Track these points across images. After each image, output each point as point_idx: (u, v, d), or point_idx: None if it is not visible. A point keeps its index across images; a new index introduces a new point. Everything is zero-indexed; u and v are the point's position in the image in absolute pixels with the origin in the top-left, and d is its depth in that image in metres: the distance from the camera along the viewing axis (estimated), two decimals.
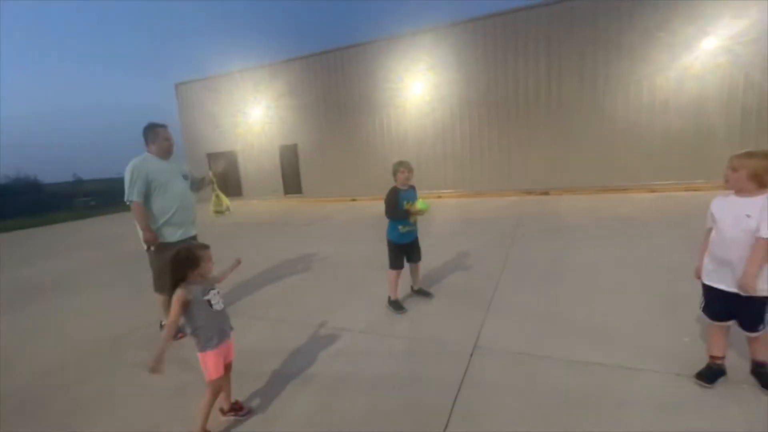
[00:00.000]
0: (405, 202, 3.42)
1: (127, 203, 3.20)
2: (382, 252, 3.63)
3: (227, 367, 2.17)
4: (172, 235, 3.29)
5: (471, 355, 2.67)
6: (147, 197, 3.20)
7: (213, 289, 2.11)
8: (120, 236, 9.08)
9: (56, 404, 2.53)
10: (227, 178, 15.76)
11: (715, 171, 2.14)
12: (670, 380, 2.22)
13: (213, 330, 2.04)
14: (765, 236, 1.87)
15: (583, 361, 2.48)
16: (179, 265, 2.00)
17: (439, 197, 11.91)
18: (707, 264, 2.15)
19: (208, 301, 2.04)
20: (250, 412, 2.23)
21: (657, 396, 2.10)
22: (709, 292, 2.15)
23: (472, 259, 4.95)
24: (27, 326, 3.96)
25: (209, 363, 2.03)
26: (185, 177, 3.47)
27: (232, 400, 2.24)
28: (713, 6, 8.95)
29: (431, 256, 5.01)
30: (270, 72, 14.85)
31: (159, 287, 3.33)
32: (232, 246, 7.06)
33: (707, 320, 2.21)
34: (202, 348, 2.03)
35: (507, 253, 5.11)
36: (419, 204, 3.38)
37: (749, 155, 1.96)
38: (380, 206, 3.67)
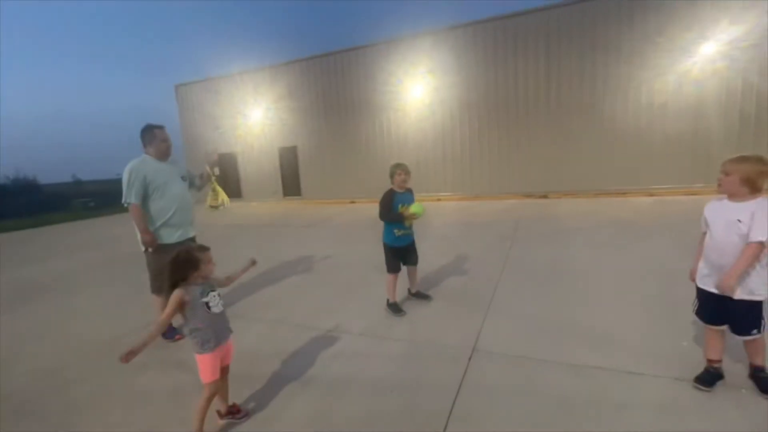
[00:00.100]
0: (400, 205, 3.40)
1: (125, 205, 3.19)
2: (380, 254, 3.63)
3: (224, 370, 2.16)
4: (171, 236, 3.28)
5: (470, 358, 2.67)
6: (145, 199, 3.20)
7: (213, 291, 2.10)
8: (118, 237, 9.06)
9: (54, 405, 2.52)
10: (227, 180, 15.75)
11: (713, 175, 2.14)
12: (669, 384, 2.22)
13: (210, 333, 2.03)
14: (755, 241, 1.87)
15: (582, 364, 2.48)
16: (179, 267, 2.00)
17: (439, 200, 11.92)
18: (702, 268, 2.16)
19: (206, 303, 2.03)
20: (247, 415, 2.22)
21: (656, 400, 2.10)
22: (703, 296, 2.16)
23: (472, 262, 4.95)
24: (25, 327, 3.95)
25: (205, 366, 2.02)
26: (183, 178, 3.45)
27: (230, 402, 2.23)
28: (712, 11, 9.00)
29: (430, 258, 5.01)
30: (270, 74, 14.88)
31: (156, 289, 3.32)
32: (231, 247, 7.04)
33: (701, 323, 2.22)
34: (199, 350, 2.03)
35: (506, 256, 5.11)
36: (412, 207, 3.35)
37: (742, 160, 1.96)
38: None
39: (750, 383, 2.13)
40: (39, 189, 23.44)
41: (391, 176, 3.48)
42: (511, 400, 2.20)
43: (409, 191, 3.56)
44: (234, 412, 2.20)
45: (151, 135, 3.27)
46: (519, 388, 2.31)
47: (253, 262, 2.55)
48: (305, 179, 14.78)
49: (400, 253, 3.57)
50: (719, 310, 2.08)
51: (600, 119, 10.34)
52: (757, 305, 1.98)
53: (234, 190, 16.09)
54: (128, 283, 5.10)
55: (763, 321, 2.00)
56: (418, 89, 12.32)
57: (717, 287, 2.01)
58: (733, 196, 2.01)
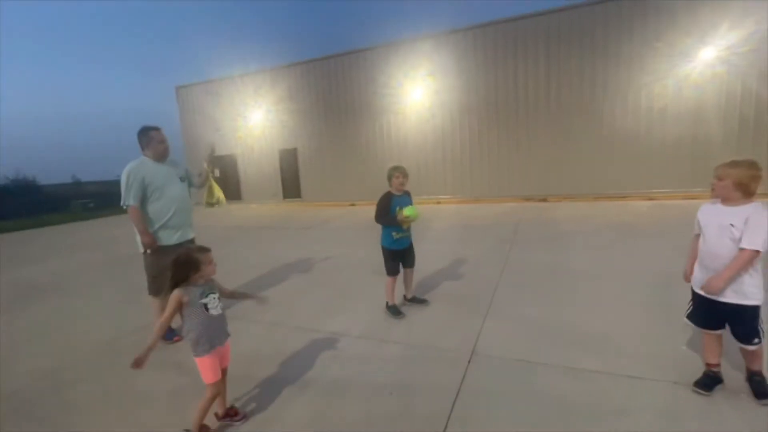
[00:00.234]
0: (397, 208, 3.39)
1: (124, 207, 3.19)
2: (380, 257, 3.62)
3: (222, 373, 2.16)
4: (170, 238, 3.28)
5: (469, 361, 2.66)
6: (144, 201, 3.19)
7: (213, 293, 2.09)
8: (118, 238, 9.06)
9: (53, 405, 2.51)
10: (227, 182, 15.76)
11: (712, 179, 2.16)
12: (669, 388, 2.21)
13: (207, 334, 2.03)
14: (746, 247, 1.88)
15: (581, 368, 2.47)
16: (179, 268, 2.00)
17: (438, 203, 11.93)
18: (697, 271, 2.16)
19: (205, 305, 2.03)
20: (245, 418, 2.22)
21: (655, 404, 2.09)
22: (698, 299, 2.17)
23: (471, 265, 4.95)
24: (25, 327, 3.94)
25: (205, 368, 2.03)
26: (182, 179, 3.43)
27: (228, 405, 2.23)
28: (711, 17, 9.04)
29: (430, 261, 5.01)
30: (271, 76, 14.92)
31: (154, 291, 3.31)
32: (230, 249, 7.04)
33: (693, 327, 2.23)
34: (197, 353, 2.02)
35: (506, 258, 5.11)
36: (406, 210, 3.33)
37: (734, 164, 1.97)
38: None
39: (748, 387, 2.12)
40: (38, 189, 23.41)
41: (389, 179, 3.48)
42: (510, 404, 2.19)
43: (407, 194, 3.55)
44: (232, 415, 2.20)
45: (148, 137, 3.26)
46: (518, 391, 2.30)
47: (263, 301, 2.44)
48: (305, 181, 14.79)
49: (399, 256, 3.57)
50: (714, 314, 2.08)
51: (600, 123, 10.37)
52: (753, 310, 1.98)
53: (234, 192, 16.10)
54: (127, 284, 5.09)
55: (761, 329, 2.00)
56: (418, 92, 12.36)
57: (704, 288, 2.01)
58: (726, 200, 2.02)
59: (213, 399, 2.06)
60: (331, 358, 2.85)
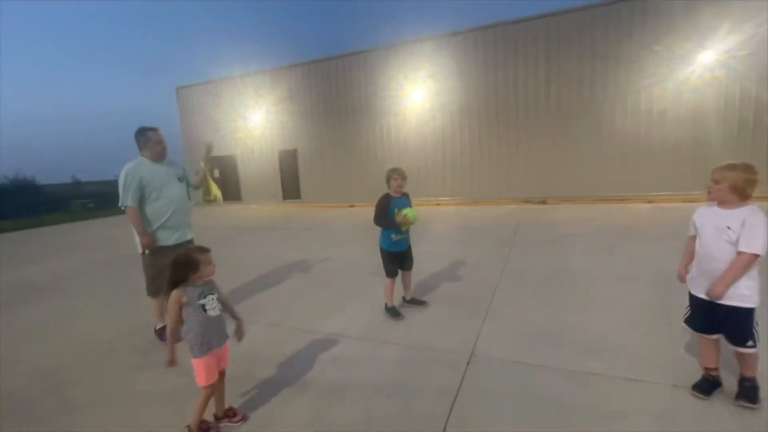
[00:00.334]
0: (396, 209, 3.39)
1: (122, 208, 3.18)
2: (379, 258, 3.62)
3: (221, 374, 2.16)
4: (168, 238, 3.27)
5: (468, 362, 2.67)
6: (142, 201, 3.18)
7: (212, 293, 2.09)
8: (117, 238, 9.05)
9: (53, 405, 2.51)
10: (227, 182, 15.76)
11: (709, 182, 2.18)
12: (667, 391, 2.21)
13: (205, 336, 2.03)
14: (745, 251, 1.88)
15: (580, 370, 2.47)
16: (178, 268, 2.00)
17: (438, 204, 11.93)
18: (693, 273, 2.17)
19: (203, 306, 2.03)
20: (244, 419, 2.21)
21: (654, 407, 2.10)
22: (695, 301, 2.17)
23: (470, 267, 4.95)
24: (24, 327, 3.93)
25: (200, 370, 2.03)
26: (180, 179, 3.42)
27: (226, 406, 2.22)
28: (710, 21, 9.08)
29: (429, 263, 5.01)
30: (271, 77, 14.94)
31: (152, 291, 3.31)
32: (230, 250, 7.04)
33: (690, 331, 2.22)
34: (193, 354, 2.02)
35: (505, 261, 5.11)
36: (405, 212, 3.32)
37: (730, 168, 1.98)
38: None
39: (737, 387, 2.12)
40: (38, 189, 23.37)
41: (387, 181, 3.47)
42: (508, 405, 2.19)
43: (406, 196, 3.55)
44: (230, 416, 2.19)
45: (145, 138, 3.25)
46: (517, 393, 2.30)
47: (241, 331, 2.30)
48: (305, 182, 14.80)
49: (397, 258, 3.57)
50: (711, 317, 2.08)
51: (599, 126, 10.39)
52: (748, 313, 1.98)
53: (234, 193, 16.11)
54: (127, 284, 5.09)
55: (756, 332, 2.00)
56: (418, 94, 12.38)
57: (707, 294, 2.01)
58: (722, 203, 2.03)
59: (207, 399, 2.07)
60: (330, 359, 2.85)
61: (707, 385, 2.14)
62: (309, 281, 4.87)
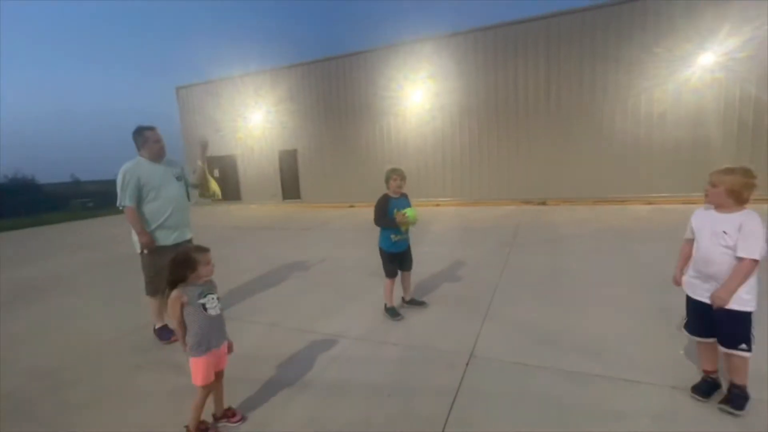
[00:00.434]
0: (395, 210, 3.38)
1: (120, 208, 3.18)
2: (378, 258, 3.63)
3: (219, 375, 2.15)
4: (167, 238, 3.26)
5: (467, 363, 2.66)
6: (140, 201, 3.17)
7: (212, 293, 2.09)
8: (116, 238, 9.04)
9: (52, 405, 2.51)
10: (227, 182, 15.76)
11: (706, 185, 2.18)
12: (667, 393, 2.21)
13: (204, 336, 2.03)
14: (743, 256, 1.88)
15: (579, 371, 2.47)
16: (177, 267, 2.00)
17: (438, 205, 11.94)
18: (690, 276, 2.17)
19: (203, 305, 2.03)
20: (242, 419, 2.21)
21: (653, 408, 2.09)
22: (691, 304, 2.17)
23: (470, 268, 4.95)
24: (23, 327, 3.93)
25: (198, 369, 2.02)
26: (179, 178, 3.40)
27: (225, 406, 2.22)
28: (710, 23, 9.10)
29: (429, 264, 5.01)
30: (271, 77, 14.94)
31: (151, 291, 3.31)
32: (229, 249, 7.03)
33: (687, 335, 2.22)
34: (192, 353, 2.02)
35: (505, 262, 5.11)
36: (408, 212, 3.32)
37: (728, 172, 1.98)
38: None
39: (748, 394, 2.11)
40: (38, 188, 23.35)
41: (387, 181, 3.47)
42: (507, 406, 2.19)
43: (405, 196, 3.54)
44: (229, 417, 2.19)
45: (143, 137, 3.23)
46: (516, 394, 2.30)
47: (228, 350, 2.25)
48: (305, 182, 14.80)
49: (397, 259, 3.57)
50: (707, 320, 2.07)
51: (599, 127, 10.40)
52: (746, 316, 1.97)
53: (234, 193, 16.11)
54: (126, 284, 5.08)
55: (752, 336, 1.98)
56: (418, 94, 12.39)
57: (711, 301, 1.99)
58: (719, 207, 2.02)
59: (204, 399, 2.06)
60: (329, 360, 2.84)
61: (706, 387, 2.14)
62: (308, 281, 4.87)
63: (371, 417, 2.18)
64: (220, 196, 3.81)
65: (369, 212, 3.64)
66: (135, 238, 3.21)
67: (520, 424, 2.04)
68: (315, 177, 14.53)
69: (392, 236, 3.45)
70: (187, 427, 2.06)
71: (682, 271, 2.24)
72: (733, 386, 2.06)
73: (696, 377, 2.24)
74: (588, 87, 10.42)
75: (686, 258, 2.21)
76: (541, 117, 10.99)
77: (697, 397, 2.12)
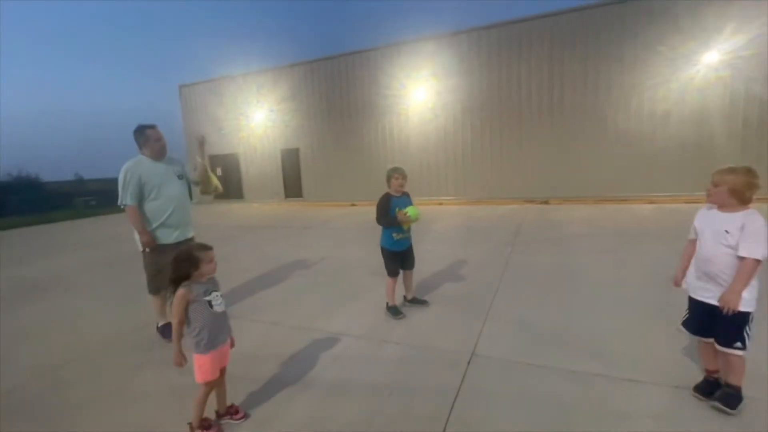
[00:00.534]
0: (396, 209, 3.38)
1: (121, 207, 3.18)
2: (380, 257, 3.63)
3: (222, 372, 2.16)
4: (168, 237, 3.27)
5: (468, 362, 2.66)
6: (141, 200, 3.17)
7: (216, 290, 2.10)
8: (119, 236, 9.07)
9: (53, 403, 2.52)
10: (229, 181, 15.80)
11: (708, 185, 2.17)
12: (669, 392, 2.21)
13: (212, 332, 2.04)
14: (746, 256, 1.87)
15: (581, 371, 2.47)
16: (180, 265, 2.00)
17: (440, 204, 11.93)
18: (691, 276, 2.16)
19: (209, 302, 2.04)
20: (245, 417, 2.22)
21: (655, 408, 2.09)
22: (692, 304, 2.16)
23: (472, 267, 4.95)
24: (25, 325, 3.95)
25: (204, 366, 2.03)
26: (180, 177, 3.40)
27: (228, 403, 2.23)
28: (715, 21, 9.04)
29: (431, 263, 5.01)
30: (273, 76, 14.95)
31: (153, 289, 3.32)
32: (231, 248, 7.05)
33: (687, 334, 2.21)
34: (199, 350, 2.03)
35: (507, 261, 5.10)
36: (408, 210, 3.32)
37: (731, 171, 1.96)
38: None
39: (750, 393, 2.10)
40: (41, 187, 23.43)
41: (388, 180, 3.47)
42: (509, 406, 2.19)
43: (406, 195, 3.54)
44: (232, 413, 2.20)
45: (144, 136, 3.23)
46: (518, 394, 2.30)
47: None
48: (307, 181, 14.82)
49: (399, 257, 3.57)
50: (707, 320, 2.07)
51: (602, 126, 10.36)
52: (744, 316, 1.96)
53: (236, 191, 16.15)
54: (129, 282, 5.10)
55: (747, 336, 1.97)
56: (420, 93, 12.38)
57: (719, 303, 1.97)
58: (722, 206, 2.01)
59: (207, 395, 2.07)
60: (331, 358, 2.85)
61: (708, 387, 2.14)
62: (310, 280, 4.88)
63: (372, 416, 2.18)
64: (221, 189, 3.78)
65: (371, 211, 3.64)
66: (137, 236, 3.22)
67: (522, 424, 2.04)
68: (317, 176, 14.55)
69: (394, 235, 3.45)
70: (190, 424, 2.07)
71: (684, 272, 2.23)
72: (728, 386, 2.06)
73: (698, 377, 2.23)
74: (591, 85, 10.37)
75: (689, 259, 2.20)
76: (543, 115, 10.96)
77: (698, 396, 2.12)
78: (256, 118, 15.35)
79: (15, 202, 17.19)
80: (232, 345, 2.25)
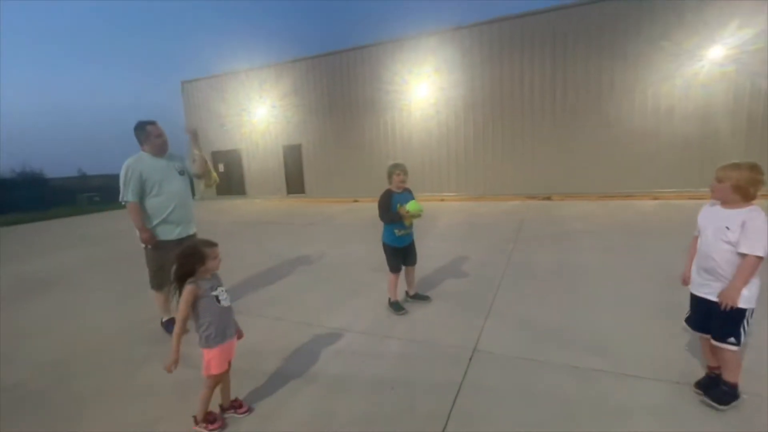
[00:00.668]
0: (398, 205, 3.38)
1: (123, 203, 3.19)
2: (382, 253, 3.63)
3: (228, 364, 2.18)
4: (169, 233, 3.27)
5: (470, 358, 2.67)
6: (142, 196, 3.18)
7: (220, 285, 2.13)
8: (122, 232, 9.12)
9: (56, 399, 2.54)
10: (231, 177, 15.82)
11: (712, 181, 2.16)
12: (670, 388, 2.21)
13: (219, 326, 2.06)
14: (747, 252, 1.86)
15: (583, 366, 2.48)
16: (185, 260, 2.02)
17: (442, 200, 11.92)
18: (693, 273, 2.16)
19: (216, 297, 2.06)
20: (249, 411, 2.24)
21: (657, 404, 2.10)
22: (693, 300, 2.16)
23: (474, 263, 4.95)
24: (30, 320, 3.98)
25: (214, 359, 2.05)
26: (181, 173, 3.40)
27: (232, 397, 2.25)
28: (720, 15, 8.95)
29: (433, 259, 5.01)
30: (276, 72, 14.92)
31: (156, 285, 3.33)
32: (234, 244, 7.08)
33: (690, 331, 2.22)
34: (209, 344, 2.04)
35: (509, 257, 5.10)
36: (410, 206, 3.31)
37: (734, 167, 1.95)
38: None
39: (750, 389, 2.11)
40: (45, 182, 23.53)
41: (389, 176, 3.46)
42: (511, 402, 2.20)
43: (408, 191, 3.53)
44: (236, 407, 2.22)
45: (145, 132, 3.23)
46: (519, 389, 2.31)
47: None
48: (309, 177, 14.82)
49: (401, 253, 3.57)
50: (708, 315, 2.07)
51: (606, 122, 10.31)
52: (742, 313, 1.96)
53: (238, 187, 16.17)
54: (131, 277, 5.13)
55: (742, 332, 1.97)
56: (423, 89, 12.33)
57: (719, 299, 1.97)
58: (725, 203, 2.00)
59: (213, 389, 2.10)
60: (333, 354, 2.87)
61: (710, 383, 2.13)
62: (313, 276, 4.90)
63: (375, 410, 2.20)
64: (218, 180, 3.76)
65: (373, 207, 3.64)
66: (138, 233, 3.24)
67: (523, 419, 2.05)
68: (319, 172, 14.54)
69: (396, 231, 3.46)
70: (194, 417, 2.09)
71: (691, 270, 2.22)
72: (724, 383, 2.05)
73: (700, 373, 2.24)
74: (594, 81, 10.31)
75: (695, 255, 2.19)
76: (546, 111, 10.91)
77: (700, 392, 2.12)
78: (259, 114, 15.34)
79: (19, 198, 17.26)
80: (240, 336, 2.26)
